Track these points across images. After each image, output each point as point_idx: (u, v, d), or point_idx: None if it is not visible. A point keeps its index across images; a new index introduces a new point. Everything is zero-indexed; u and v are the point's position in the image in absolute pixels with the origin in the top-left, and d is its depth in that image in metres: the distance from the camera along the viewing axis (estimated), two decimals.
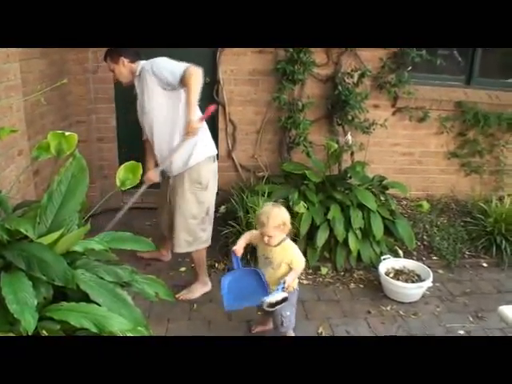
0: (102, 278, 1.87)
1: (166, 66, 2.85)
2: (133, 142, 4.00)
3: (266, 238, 2.57)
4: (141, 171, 2.26)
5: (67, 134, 2.06)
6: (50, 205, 2.01)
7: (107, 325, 1.63)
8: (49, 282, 1.76)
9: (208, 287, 3.40)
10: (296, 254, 2.64)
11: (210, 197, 3.15)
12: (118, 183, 2.23)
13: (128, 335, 1.68)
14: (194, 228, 3.13)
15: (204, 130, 3.06)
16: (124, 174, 2.24)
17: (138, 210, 4.48)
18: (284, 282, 2.51)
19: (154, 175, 3.13)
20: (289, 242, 2.67)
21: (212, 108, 2.98)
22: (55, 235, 1.88)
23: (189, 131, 2.87)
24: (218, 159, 3.23)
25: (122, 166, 2.22)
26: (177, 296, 3.24)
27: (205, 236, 3.23)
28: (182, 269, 3.68)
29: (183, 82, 2.79)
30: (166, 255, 3.79)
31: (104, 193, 4.19)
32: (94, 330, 1.62)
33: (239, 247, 2.66)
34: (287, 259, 2.61)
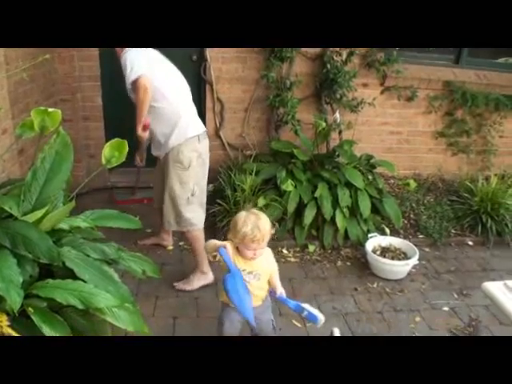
0: (87, 256, 1.88)
1: (131, 63, 2.79)
2: (120, 121, 3.96)
3: (251, 253, 2.20)
4: (127, 148, 2.23)
5: (50, 110, 2.03)
6: (35, 182, 1.99)
7: (94, 301, 1.63)
8: (34, 259, 1.76)
9: (208, 279, 3.22)
10: (273, 256, 2.40)
11: (193, 177, 3.03)
12: (103, 161, 2.21)
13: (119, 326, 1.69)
14: (180, 209, 3.04)
15: (186, 111, 3.01)
16: (109, 152, 2.21)
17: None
18: (282, 293, 2.34)
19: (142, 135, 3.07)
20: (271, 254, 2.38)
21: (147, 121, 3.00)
22: (40, 213, 1.87)
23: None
24: (206, 138, 3.13)
25: (108, 143, 2.20)
26: (174, 284, 3.18)
27: (194, 218, 3.09)
28: (170, 247, 3.68)
29: (133, 88, 2.85)
30: (167, 239, 3.68)
31: (90, 172, 4.14)
32: (80, 306, 1.63)
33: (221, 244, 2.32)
34: (272, 265, 2.35)
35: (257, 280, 2.28)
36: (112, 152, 2.22)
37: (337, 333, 1.18)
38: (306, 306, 2.32)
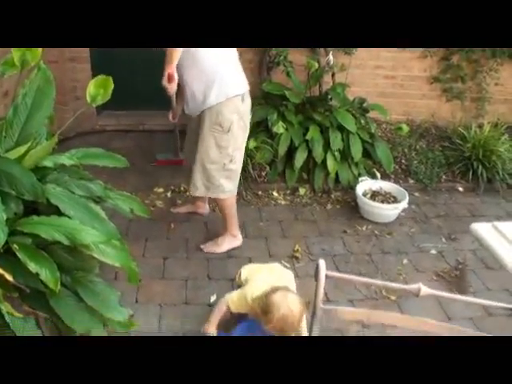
0: (73, 193, 1.84)
1: None
2: (107, 61, 3.84)
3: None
4: (112, 86, 2.14)
5: None
6: (16, 118, 1.93)
7: (79, 237, 1.61)
8: (18, 196, 1.73)
9: (238, 241, 3.10)
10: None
11: (233, 142, 2.73)
12: (88, 99, 2.13)
13: (101, 247, 1.67)
14: (213, 174, 2.78)
15: (226, 68, 2.65)
16: (94, 90, 2.12)
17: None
18: None
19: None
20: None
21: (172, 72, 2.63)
22: (22, 149, 1.82)
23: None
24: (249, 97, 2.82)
25: (92, 80, 2.11)
26: (201, 247, 3.05)
27: (228, 186, 2.86)
28: (160, 189, 3.65)
29: None
30: (203, 207, 3.40)
31: (78, 115, 4.07)
32: (65, 242, 1.61)
33: (211, 331, 2.27)
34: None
35: None
36: (97, 90, 2.12)
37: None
38: None
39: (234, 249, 3.08)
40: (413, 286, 1.15)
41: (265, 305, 2.02)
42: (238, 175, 2.94)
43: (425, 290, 1.14)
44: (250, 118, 2.83)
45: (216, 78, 2.59)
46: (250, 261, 2.87)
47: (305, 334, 2.25)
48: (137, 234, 3.10)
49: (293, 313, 1.97)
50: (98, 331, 1.77)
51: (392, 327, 1.19)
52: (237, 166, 2.86)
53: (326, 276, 1.23)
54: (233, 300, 2.26)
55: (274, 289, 2.08)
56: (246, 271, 2.40)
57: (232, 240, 3.07)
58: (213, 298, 2.65)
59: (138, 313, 2.47)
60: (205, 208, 3.41)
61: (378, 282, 1.26)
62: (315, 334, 1.19)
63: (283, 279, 2.33)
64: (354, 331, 1.19)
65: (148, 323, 2.46)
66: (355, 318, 1.16)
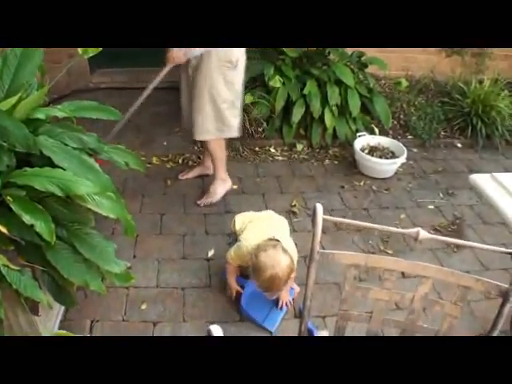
0: (66, 145, 1.80)
1: None
2: None
3: (270, 295, 2.23)
4: None
5: None
6: (6, 69, 1.87)
7: (73, 188, 1.58)
8: (10, 148, 1.69)
9: (229, 183, 3.11)
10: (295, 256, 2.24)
11: (239, 78, 2.75)
12: (79, 51, 2.07)
13: (95, 197, 1.65)
14: (225, 114, 2.76)
15: None
16: None
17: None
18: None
19: (178, 54, 2.66)
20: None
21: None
22: (13, 100, 1.77)
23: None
24: None
25: None
26: (198, 202, 3.03)
27: (236, 124, 2.86)
28: (156, 146, 3.61)
29: None
30: (210, 168, 3.23)
31: (71, 72, 3.99)
32: (59, 193, 1.58)
33: (234, 288, 2.36)
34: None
35: None
36: None
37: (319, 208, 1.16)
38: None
39: (228, 193, 3.12)
40: (411, 230, 1.14)
41: (253, 264, 2.07)
42: (240, 113, 2.94)
43: (423, 234, 1.13)
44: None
45: None
46: None
47: (295, 287, 2.39)
48: (133, 191, 3.09)
49: (279, 274, 2.01)
50: (96, 284, 1.76)
51: (390, 272, 1.18)
52: (240, 102, 2.87)
53: (323, 220, 1.21)
54: (231, 256, 2.28)
55: (264, 246, 2.10)
56: (240, 219, 2.41)
57: (223, 184, 3.09)
58: (211, 253, 2.65)
59: (135, 268, 2.48)
60: (212, 168, 3.25)
61: (376, 225, 1.24)
62: (312, 278, 1.19)
63: (276, 225, 2.36)
64: (351, 276, 1.18)
65: (146, 278, 2.47)
66: (353, 262, 1.15)
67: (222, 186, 3.08)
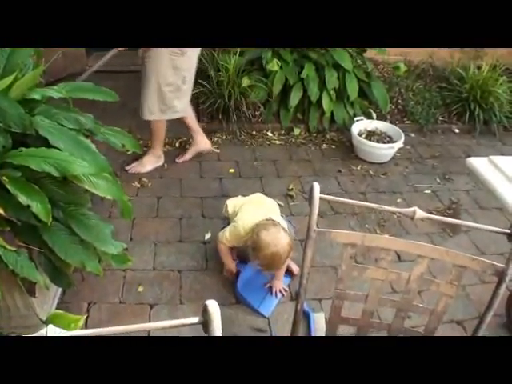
0: (62, 126, 1.79)
1: None
2: None
3: (267, 273, 2.31)
4: None
5: None
6: (1, 50, 1.86)
7: (69, 168, 1.58)
8: (5, 129, 1.68)
9: (161, 161, 3.23)
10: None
11: (188, 64, 2.87)
12: None
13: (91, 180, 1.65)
14: (168, 96, 2.90)
15: None
16: None
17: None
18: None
19: None
20: None
21: None
22: (8, 80, 1.75)
23: None
24: None
25: None
26: (126, 168, 3.12)
27: (179, 106, 3.00)
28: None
29: None
30: (204, 141, 3.34)
31: (67, 55, 3.98)
32: (55, 173, 1.57)
33: (232, 267, 2.39)
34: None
35: None
36: None
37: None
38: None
39: (225, 177, 3.18)
40: (408, 210, 1.14)
41: (254, 242, 2.09)
42: (188, 95, 3.06)
43: (420, 213, 1.13)
44: None
45: None
46: None
47: (294, 268, 2.41)
48: (130, 174, 3.08)
49: (280, 252, 2.05)
50: (92, 265, 1.76)
51: (386, 252, 1.18)
52: (187, 86, 2.99)
53: (320, 203, 1.21)
54: (226, 237, 2.29)
55: (264, 225, 2.12)
56: (232, 204, 2.43)
57: (155, 160, 3.20)
58: (207, 236, 2.65)
59: (132, 251, 2.48)
60: (207, 142, 3.38)
61: (373, 204, 1.24)
62: (309, 256, 1.19)
63: (269, 207, 2.39)
64: (348, 255, 1.18)
65: (143, 260, 2.47)
66: (349, 241, 1.16)
67: (153, 161, 3.19)
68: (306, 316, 2.19)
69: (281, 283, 2.35)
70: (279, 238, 2.07)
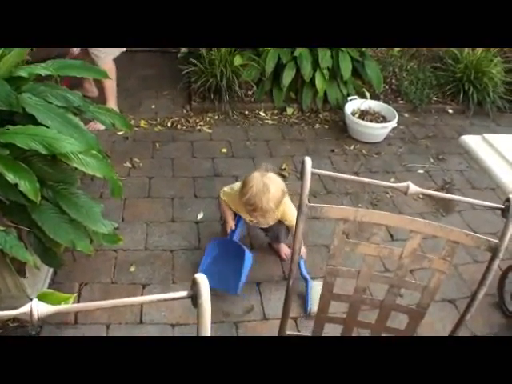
0: (50, 103, 1.76)
1: None
2: None
3: (252, 217, 2.15)
4: None
5: None
6: None
7: (57, 146, 1.55)
8: None
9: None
10: (293, 213, 2.14)
11: None
12: None
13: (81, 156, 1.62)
14: None
15: None
16: None
17: None
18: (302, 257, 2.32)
19: None
20: (285, 204, 2.15)
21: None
22: None
23: None
24: None
25: None
26: (86, 126, 3.04)
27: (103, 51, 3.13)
28: (144, 110, 3.55)
29: None
30: (91, 90, 3.54)
31: None
32: (43, 151, 1.54)
33: (231, 223, 2.27)
34: (283, 219, 2.23)
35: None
36: None
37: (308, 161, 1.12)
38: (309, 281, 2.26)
39: (217, 156, 3.15)
40: (401, 184, 1.13)
41: (244, 179, 2.06)
42: None
43: (413, 187, 1.12)
44: None
45: None
46: (237, 180, 2.85)
47: (292, 215, 2.19)
48: (121, 154, 3.05)
49: (268, 186, 1.97)
50: (83, 244, 1.74)
51: (378, 227, 1.17)
52: None
53: (313, 179, 1.19)
54: (224, 192, 2.26)
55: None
56: (227, 192, 2.30)
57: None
58: (199, 216, 2.64)
59: (124, 231, 2.46)
60: (94, 91, 3.53)
61: (365, 179, 1.22)
62: (300, 231, 1.17)
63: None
64: (340, 230, 1.17)
65: (134, 240, 2.46)
66: (342, 216, 1.14)
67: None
68: (305, 282, 2.26)
69: (287, 248, 2.43)
70: (269, 176, 2.01)
